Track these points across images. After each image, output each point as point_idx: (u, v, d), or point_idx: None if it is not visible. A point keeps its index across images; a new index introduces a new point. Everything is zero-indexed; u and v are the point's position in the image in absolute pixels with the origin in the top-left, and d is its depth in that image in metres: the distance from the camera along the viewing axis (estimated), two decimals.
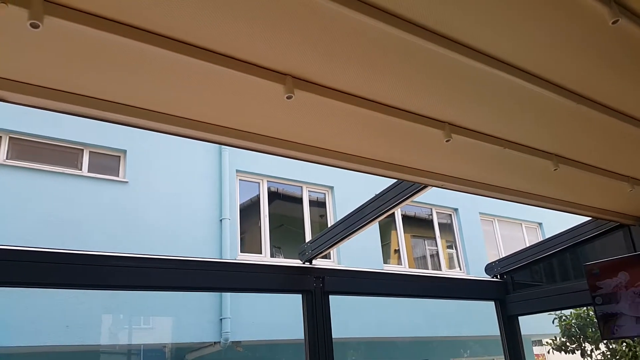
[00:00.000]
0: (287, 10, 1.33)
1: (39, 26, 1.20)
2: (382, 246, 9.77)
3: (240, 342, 7.69)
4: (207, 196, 8.05)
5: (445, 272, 10.50)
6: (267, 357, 8.65)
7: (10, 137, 6.89)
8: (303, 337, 3.18)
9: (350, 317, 7.81)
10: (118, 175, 7.54)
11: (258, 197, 8.82)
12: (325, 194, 9.57)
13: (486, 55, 1.64)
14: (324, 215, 9.60)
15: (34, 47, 1.32)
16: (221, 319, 7.48)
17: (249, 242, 8.56)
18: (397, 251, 10.22)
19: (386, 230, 10.15)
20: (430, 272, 10.19)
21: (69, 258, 2.54)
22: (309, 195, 9.39)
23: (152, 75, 1.52)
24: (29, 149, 7.03)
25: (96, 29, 1.28)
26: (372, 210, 3.19)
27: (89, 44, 1.34)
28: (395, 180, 2.96)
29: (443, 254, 10.75)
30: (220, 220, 8.02)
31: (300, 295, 3.24)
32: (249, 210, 8.74)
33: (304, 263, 3.40)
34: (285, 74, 1.60)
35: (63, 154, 7.30)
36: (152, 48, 1.37)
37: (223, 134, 1.84)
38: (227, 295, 7.53)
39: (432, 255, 10.69)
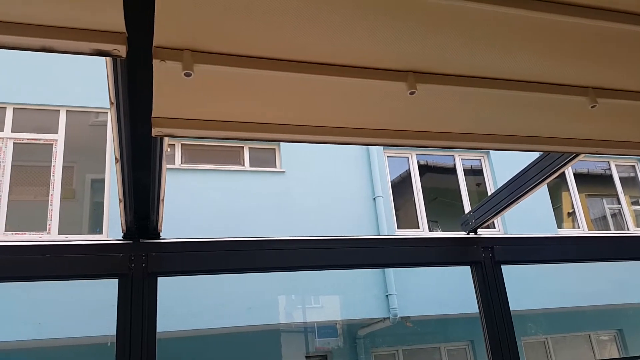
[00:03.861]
0: (405, 10, 1.43)
1: (191, 74, 1.41)
2: (554, 209, 8.95)
3: (409, 317, 7.70)
4: (358, 176, 8.15)
5: (634, 231, 9.26)
6: (438, 332, 8.53)
7: (182, 145, 7.74)
8: (473, 311, 3.02)
9: (523, 287, 7.31)
10: (275, 167, 8.01)
11: (408, 172, 8.68)
12: (480, 160, 9.06)
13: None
14: (480, 184, 9.11)
15: (190, 89, 1.53)
16: (387, 295, 7.56)
17: (404, 218, 8.49)
18: (572, 213, 9.28)
19: (556, 192, 9.28)
20: (614, 232, 9.08)
21: (242, 245, 2.72)
22: (462, 164, 8.97)
23: (292, 96, 1.67)
24: (198, 153, 7.84)
25: (236, 66, 1.48)
26: (539, 172, 2.88)
27: (233, 79, 1.55)
28: None
29: (629, 212, 9.49)
30: (374, 198, 8.07)
31: (468, 267, 3.07)
32: (400, 186, 8.66)
33: (468, 234, 3.22)
34: (407, 71, 1.65)
35: (227, 153, 8.00)
36: (288, 74, 1.55)
37: (353, 134, 1.93)
38: (391, 272, 7.57)
39: (613, 215, 9.51)
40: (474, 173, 9.15)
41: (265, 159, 8.08)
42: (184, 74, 1.40)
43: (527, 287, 7.47)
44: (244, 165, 7.88)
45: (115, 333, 2.36)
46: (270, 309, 7.34)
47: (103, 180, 7.25)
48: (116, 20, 1.22)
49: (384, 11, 1.42)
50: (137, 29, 1.30)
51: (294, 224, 7.33)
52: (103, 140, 7.36)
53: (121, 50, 1.27)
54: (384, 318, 7.57)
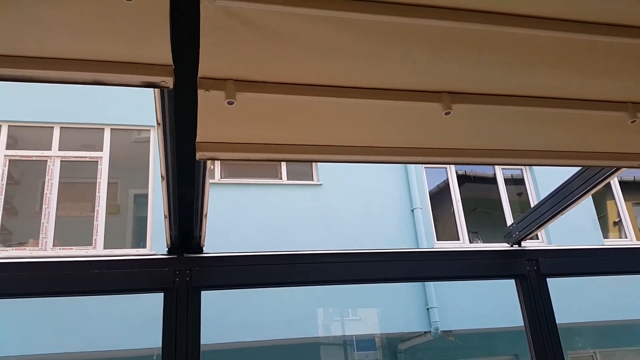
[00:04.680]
0: (438, 35, 1.48)
1: (233, 102, 1.48)
2: (599, 218, 8.64)
3: (451, 331, 7.55)
4: (395, 188, 8.10)
5: None
6: (481, 346, 8.33)
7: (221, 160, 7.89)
8: (517, 324, 2.95)
9: (570, 299, 7.06)
10: (312, 180, 8.05)
11: (446, 182, 8.57)
12: (521, 169, 8.85)
13: None
14: (522, 193, 8.89)
15: (232, 115, 1.60)
16: (428, 309, 7.44)
17: (443, 229, 8.37)
18: (618, 222, 8.93)
19: (601, 200, 8.97)
20: None
21: (283, 259, 2.74)
22: (503, 173, 8.78)
23: (328, 119, 1.74)
24: (236, 167, 7.96)
25: (275, 93, 1.55)
26: (583, 183, 2.80)
27: (273, 104, 1.62)
28: None
29: None
30: (412, 210, 7.99)
31: (511, 281, 3.00)
32: (438, 197, 8.55)
33: (511, 246, 3.15)
34: (441, 92, 1.67)
35: (265, 167, 8.09)
36: (324, 99, 1.62)
37: (390, 154, 1.96)
38: (431, 284, 7.46)
39: None
40: (515, 182, 8.95)
41: (302, 172, 8.13)
42: (227, 102, 1.47)
43: (574, 298, 7.22)
44: (281, 179, 7.96)
45: (160, 345, 2.41)
46: (309, 321, 7.34)
47: (145, 195, 7.47)
48: (164, 54, 1.29)
49: (416, 37, 1.45)
50: (184, 62, 1.37)
51: (331, 237, 7.34)
52: (145, 156, 7.59)
53: (168, 81, 1.34)
54: (425, 332, 7.45)
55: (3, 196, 6.94)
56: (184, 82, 1.43)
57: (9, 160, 7.09)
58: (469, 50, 1.54)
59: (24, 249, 6.85)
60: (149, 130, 7.67)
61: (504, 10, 1.46)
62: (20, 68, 1.29)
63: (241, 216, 7.40)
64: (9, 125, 7.19)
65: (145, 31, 1.25)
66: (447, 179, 8.54)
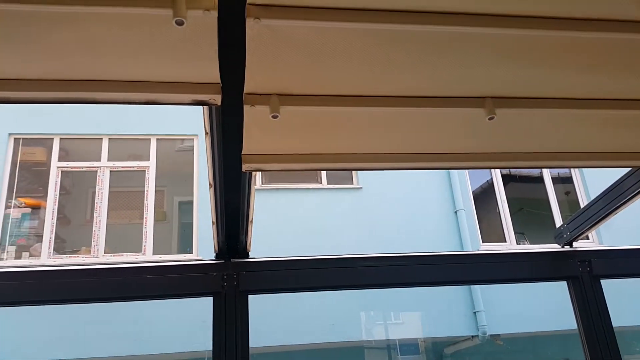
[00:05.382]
0: (478, 41, 1.48)
1: (277, 116, 1.54)
2: None
3: (499, 335, 7.37)
4: (438, 189, 7.99)
5: None
6: (532, 350, 8.09)
7: None
8: (569, 327, 2.85)
9: (626, 301, 6.77)
10: (352, 183, 8.05)
11: (489, 182, 8.39)
12: (569, 168, 8.58)
13: None
14: (570, 192, 8.61)
15: (276, 128, 1.66)
16: (475, 312, 7.29)
17: (488, 230, 8.19)
18: None
19: None
20: None
21: (325, 263, 2.76)
22: (550, 172, 8.53)
23: (370, 128, 1.77)
24: (277, 173, 8.05)
25: (318, 105, 1.60)
26: (637, 182, 2.69)
27: (315, 116, 1.68)
28: None
29: None
30: (455, 212, 7.86)
31: (562, 283, 2.91)
32: (482, 198, 8.38)
33: (562, 247, 3.06)
34: (484, 97, 1.67)
35: (305, 172, 8.15)
36: (365, 109, 1.65)
37: (434, 160, 1.98)
38: (477, 288, 7.31)
39: None
40: (563, 181, 8.67)
41: (342, 176, 8.14)
42: (272, 116, 1.53)
43: (630, 300, 6.92)
44: (321, 183, 7.99)
45: (211, 349, 2.47)
46: (352, 325, 7.32)
47: (189, 202, 7.65)
48: (212, 73, 1.36)
49: (456, 44, 1.46)
50: (230, 79, 1.43)
51: (373, 240, 7.31)
52: (187, 164, 7.79)
53: (217, 99, 1.41)
54: (472, 336, 7.30)
55: (57, 206, 7.26)
56: (231, 98, 1.49)
57: (61, 171, 7.41)
58: (512, 55, 1.54)
59: (77, 256, 7.14)
60: (192, 139, 7.86)
61: (549, 14, 1.44)
62: (80, 91, 1.38)
63: (282, 221, 7.47)
64: (60, 138, 7.52)
65: (195, 52, 1.31)
66: (491, 179, 8.36)
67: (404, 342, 7.94)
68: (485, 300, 7.32)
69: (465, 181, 8.15)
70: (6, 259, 6.94)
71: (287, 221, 7.48)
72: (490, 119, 1.68)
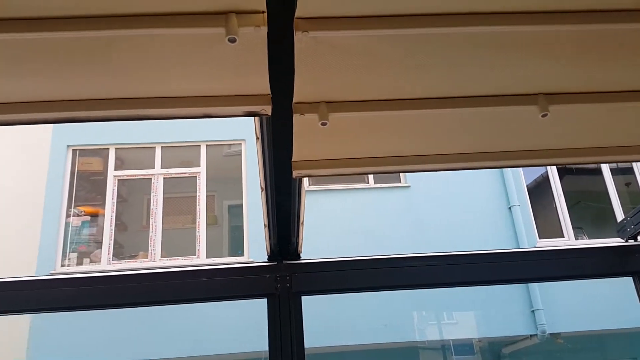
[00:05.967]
0: (527, 40, 1.46)
1: (326, 124, 1.58)
2: None
3: (559, 333, 7.10)
4: (490, 185, 7.78)
5: None
6: (595, 349, 7.76)
7: None
8: (636, 325, 2.71)
9: None
10: (400, 182, 7.96)
11: (544, 176, 8.10)
12: None
13: None
14: (630, 183, 8.19)
15: (324, 134, 1.68)
16: (533, 311, 7.05)
17: (544, 226, 7.90)
18: None
19: None
20: None
21: (377, 263, 2.74)
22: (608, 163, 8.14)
23: (418, 130, 1.78)
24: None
25: (365, 111, 1.62)
26: None
27: (362, 121, 1.70)
28: None
29: None
30: (509, 207, 7.63)
31: (628, 278, 2.77)
32: (536, 192, 8.10)
33: (626, 241, 2.91)
34: (537, 94, 1.64)
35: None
36: (413, 112, 1.65)
37: (486, 159, 1.97)
38: (535, 286, 7.06)
39: None
40: (622, 172, 8.26)
41: (389, 175, 8.07)
42: (321, 124, 1.56)
43: None
44: (368, 183, 7.95)
45: (267, 349, 2.50)
46: (405, 325, 7.24)
47: (239, 206, 7.79)
48: (263, 85, 1.41)
49: (505, 43, 1.45)
50: (280, 89, 1.47)
51: (423, 239, 7.20)
52: (236, 168, 7.94)
53: (267, 109, 1.47)
54: (530, 335, 7.07)
55: (114, 213, 7.56)
56: (280, 107, 1.53)
57: (118, 180, 7.72)
58: (563, 51, 1.51)
59: (135, 261, 7.41)
60: (239, 144, 8.00)
61: (600, 7, 1.40)
62: (142, 108, 1.46)
63: (330, 221, 7.47)
64: (115, 148, 7.84)
65: (246, 66, 1.37)
66: (546, 172, 8.07)
67: (458, 342, 7.78)
68: (543, 298, 7.07)
69: (519, 176, 7.90)
70: (69, 266, 7.29)
71: (334, 222, 7.49)
72: (544, 116, 1.65)
